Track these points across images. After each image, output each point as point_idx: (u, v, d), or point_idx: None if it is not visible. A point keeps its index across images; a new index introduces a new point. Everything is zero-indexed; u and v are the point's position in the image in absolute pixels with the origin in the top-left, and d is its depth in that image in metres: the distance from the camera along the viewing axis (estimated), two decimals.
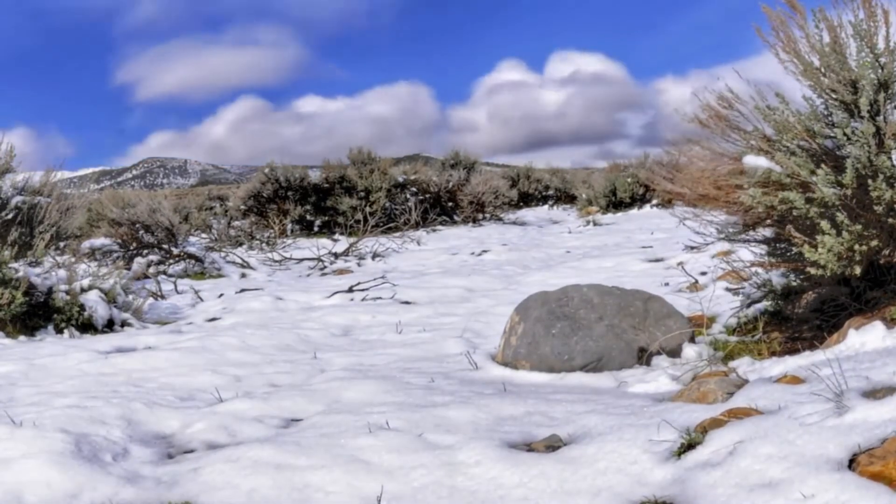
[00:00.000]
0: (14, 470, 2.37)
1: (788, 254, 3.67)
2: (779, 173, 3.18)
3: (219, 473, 2.38)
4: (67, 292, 5.39)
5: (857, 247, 2.98)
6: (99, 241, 9.90)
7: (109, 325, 5.57)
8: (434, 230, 14.02)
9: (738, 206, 3.58)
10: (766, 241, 3.86)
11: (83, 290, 5.54)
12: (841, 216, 3.02)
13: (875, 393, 2.20)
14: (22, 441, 2.61)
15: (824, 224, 2.98)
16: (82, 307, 5.40)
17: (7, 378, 3.80)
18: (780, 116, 3.28)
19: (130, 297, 5.88)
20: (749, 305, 4.14)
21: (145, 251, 9.98)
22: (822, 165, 3.06)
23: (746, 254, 4.38)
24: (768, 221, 3.72)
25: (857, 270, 3.04)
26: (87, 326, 5.47)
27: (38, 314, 5.42)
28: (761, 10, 3.41)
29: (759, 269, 4.01)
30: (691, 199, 3.82)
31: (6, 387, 3.61)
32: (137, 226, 10.05)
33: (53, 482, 2.30)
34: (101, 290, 5.64)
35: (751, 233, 3.88)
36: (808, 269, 3.12)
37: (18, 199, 5.72)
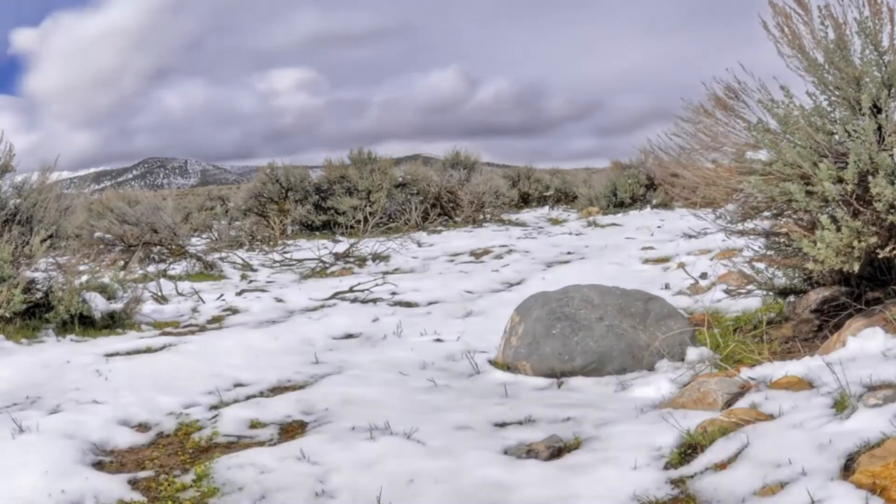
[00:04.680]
0: (17, 475, 2.36)
1: (788, 248, 3.67)
2: (781, 164, 3.18)
3: (224, 479, 2.37)
4: (66, 289, 5.37)
5: (855, 243, 2.97)
6: (106, 235, 9.88)
7: (111, 325, 5.56)
8: (435, 231, 14.00)
9: (737, 193, 3.60)
10: (765, 234, 3.86)
11: (83, 287, 5.52)
12: (841, 212, 3.01)
13: (875, 396, 2.18)
14: (25, 446, 2.60)
15: (824, 219, 2.97)
16: (83, 299, 5.39)
17: (10, 382, 3.79)
18: (784, 110, 3.28)
19: (129, 292, 5.87)
20: (748, 294, 4.14)
21: (146, 249, 9.98)
22: (825, 160, 3.05)
23: (747, 253, 4.37)
24: (766, 214, 3.72)
25: (856, 267, 3.03)
26: (88, 324, 5.45)
27: (39, 315, 5.41)
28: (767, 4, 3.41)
29: (759, 265, 4.00)
30: (693, 185, 3.82)
31: (9, 391, 3.60)
32: (142, 224, 10.04)
33: (56, 488, 2.28)
34: (100, 285, 5.63)
35: (749, 225, 3.88)
36: (807, 264, 3.12)
37: (17, 200, 5.70)
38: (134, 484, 2.40)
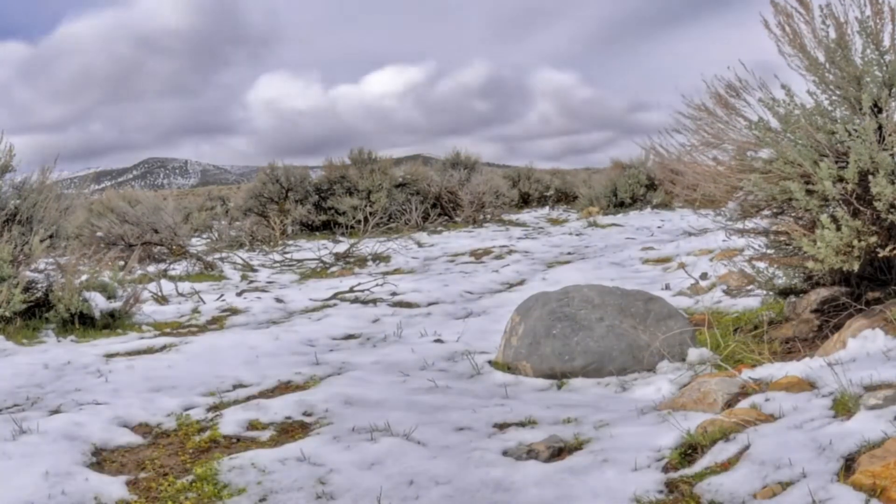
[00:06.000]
0: (17, 476, 2.36)
1: (788, 246, 3.68)
2: (782, 162, 3.18)
3: (224, 480, 2.37)
4: (66, 287, 5.38)
5: (855, 242, 2.97)
6: (107, 234, 9.89)
7: (111, 325, 5.56)
8: (435, 231, 14.00)
9: (738, 190, 3.61)
10: (765, 232, 3.86)
11: (83, 285, 5.53)
12: (841, 211, 3.01)
13: (875, 396, 2.18)
14: (26, 447, 2.60)
15: (824, 218, 2.98)
16: (84, 298, 5.40)
17: (10, 383, 3.79)
18: (785, 109, 3.28)
19: (129, 289, 5.87)
20: (749, 294, 4.14)
21: (147, 249, 9.98)
22: (825, 159, 3.06)
23: (748, 252, 4.37)
24: (766, 212, 3.73)
25: (856, 266, 3.04)
26: (89, 323, 5.45)
27: (39, 315, 5.41)
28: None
29: (760, 264, 4.00)
30: (693, 182, 3.83)
31: (10, 391, 3.60)
32: (142, 224, 10.04)
33: (57, 489, 2.28)
34: (100, 284, 5.63)
35: (749, 224, 3.89)
36: (807, 263, 3.12)
37: (17, 201, 5.70)
38: (134, 485, 2.40)
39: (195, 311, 6.44)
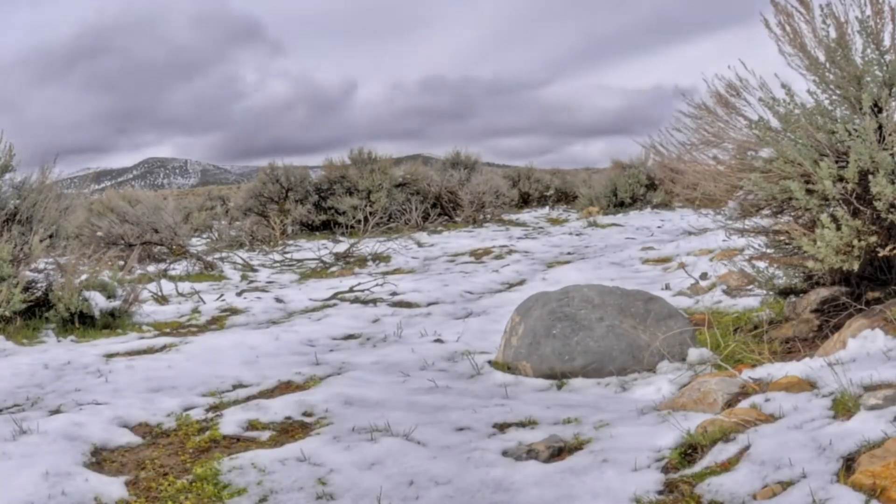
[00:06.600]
0: (17, 477, 2.36)
1: (788, 246, 3.68)
2: (782, 161, 3.18)
3: (225, 480, 2.37)
4: (66, 287, 5.38)
5: (855, 242, 2.97)
6: (106, 234, 9.90)
7: (111, 325, 5.56)
8: (435, 231, 14.00)
9: (738, 189, 3.61)
10: (765, 232, 3.87)
11: (83, 285, 5.53)
12: (841, 211, 3.01)
13: (875, 396, 2.18)
14: (26, 447, 2.60)
15: (824, 218, 2.98)
16: (83, 297, 5.40)
17: (10, 383, 3.79)
18: (785, 108, 3.28)
19: (129, 289, 5.87)
20: (749, 294, 4.13)
21: (147, 249, 9.98)
22: (825, 159, 3.06)
23: (748, 252, 4.37)
24: (766, 212, 3.73)
25: (856, 266, 3.04)
26: (89, 323, 5.45)
27: (39, 315, 5.41)
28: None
29: (760, 264, 4.00)
30: (694, 182, 3.83)
31: (10, 391, 3.60)
32: (142, 224, 10.04)
33: (57, 489, 2.28)
34: (100, 284, 5.63)
35: (749, 223, 3.89)
36: (807, 263, 3.13)
37: (17, 201, 5.71)
38: (134, 485, 2.40)
39: (195, 311, 6.44)
